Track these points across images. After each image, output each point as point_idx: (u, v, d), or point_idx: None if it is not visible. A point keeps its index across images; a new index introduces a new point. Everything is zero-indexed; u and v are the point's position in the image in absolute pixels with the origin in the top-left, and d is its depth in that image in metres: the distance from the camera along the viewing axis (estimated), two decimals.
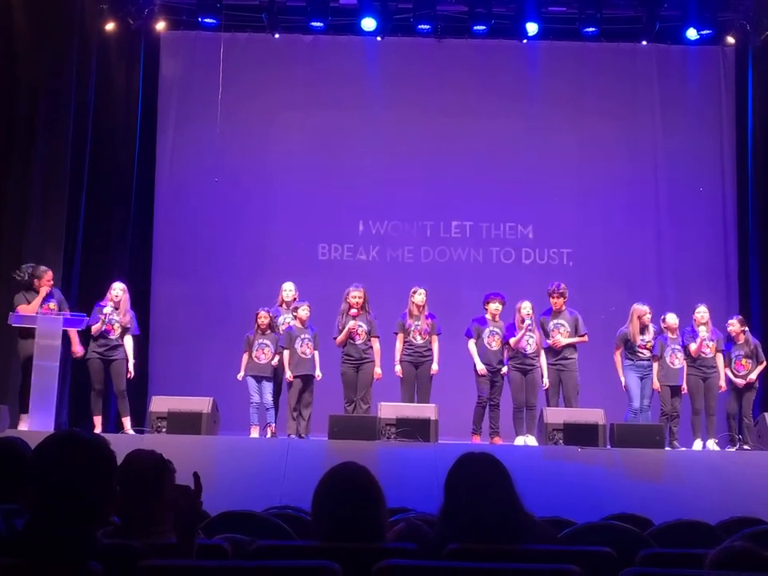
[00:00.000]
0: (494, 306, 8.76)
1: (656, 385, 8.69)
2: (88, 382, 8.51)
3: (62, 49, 9.98)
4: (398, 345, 8.66)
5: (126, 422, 8.36)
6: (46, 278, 8.30)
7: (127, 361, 8.51)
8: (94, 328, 8.36)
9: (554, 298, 8.83)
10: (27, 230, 9.60)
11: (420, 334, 8.62)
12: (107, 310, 8.36)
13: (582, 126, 11.33)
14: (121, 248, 10.71)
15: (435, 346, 8.66)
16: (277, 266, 10.69)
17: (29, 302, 8.18)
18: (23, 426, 7.77)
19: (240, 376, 8.70)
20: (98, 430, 8.11)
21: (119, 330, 8.44)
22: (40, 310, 8.16)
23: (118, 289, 8.52)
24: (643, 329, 8.71)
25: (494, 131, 11.26)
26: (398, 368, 8.60)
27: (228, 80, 10.92)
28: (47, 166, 9.80)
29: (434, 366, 8.61)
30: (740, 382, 8.76)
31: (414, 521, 3.24)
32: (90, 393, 8.45)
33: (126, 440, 7.30)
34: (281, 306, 9.02)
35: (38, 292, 8.23)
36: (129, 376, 8.55)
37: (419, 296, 8.69)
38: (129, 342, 8.55)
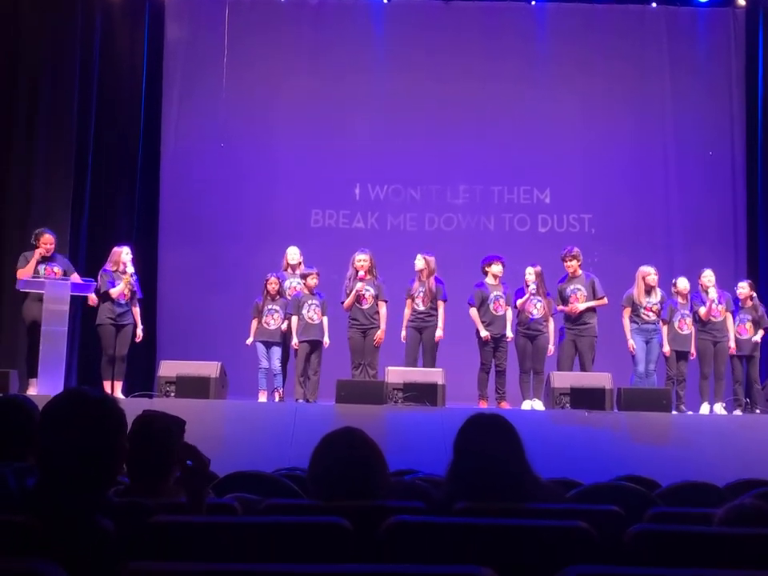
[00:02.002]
0: (497, 269, 8.71)
1: (666, 349, 8.67)
2: (99, 347, 8.53)
3: (66, 14, 9.91)
4: (406, 311, 8.65)
5: (118, 386, 8.38)
6: (42, 241, 8.28)
7: (136, 326, 8.55)
8: (115, 291, 8.33)
9: (566, 261, 8.74)
10: (34, 196, 9.60)
11: (423, 300, 8.61)
12: (130, 269, 8.38)
13: (590, 88, 11.22)
14: (128, 214, 10.70)
15: (440, 312, 8.64)
16: (282, 232, 10.65)
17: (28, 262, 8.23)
18: (32, 391, 7.80)
19: (249, 341, 8.72)
20: None
21: (129, 295, 8.47)
22: (43, 272, 8.17)
23: (130, 253, 8.51)
24: (649, 290, 8.66)
25: (501, 94, 11.15)
26: (403, 333, 8.60)
27: (233, 44, 10.84)
28: (53, 133, 9.79)
29: (438, 332, 8.59)
30: (737, 349, 8.75)
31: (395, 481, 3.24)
32: (102, 359, 8.47)
33: (134, 403, 7.32)
34: (286, 270, 9.02)
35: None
36: (137, 340, 8.60)
37: (417, 261, 8.67)
38: (136, 307, 8.58)
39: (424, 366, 8.45)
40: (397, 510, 2.44)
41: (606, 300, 8.75)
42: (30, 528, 2.04)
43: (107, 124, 10.47)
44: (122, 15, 10.74)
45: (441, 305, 8.64)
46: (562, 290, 8.76)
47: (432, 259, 8.69)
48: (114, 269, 8.44)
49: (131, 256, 8.49)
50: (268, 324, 8.64)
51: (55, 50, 9.84)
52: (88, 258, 9.95)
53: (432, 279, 8.64)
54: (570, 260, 8.71)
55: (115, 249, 8.57)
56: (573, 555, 1.99)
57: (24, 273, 8.17)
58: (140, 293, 8.64)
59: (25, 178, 9.64)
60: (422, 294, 8.59)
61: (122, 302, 8.41)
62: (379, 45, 11.37)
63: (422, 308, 8.61)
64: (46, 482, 2.19)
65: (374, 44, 11.36)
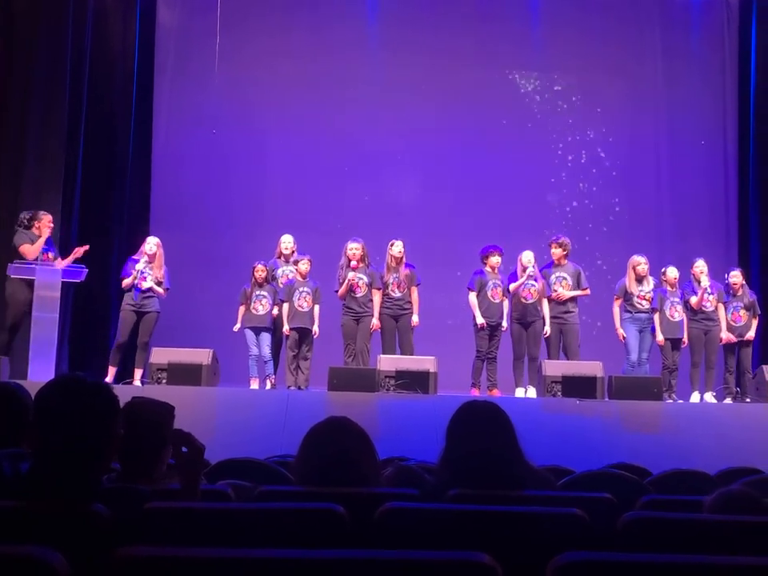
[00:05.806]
0: (495, 259, 8.73)
1: (660, 338, 8.69)
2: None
3: None
4: (377, 299, 8.61)
5: (138, 373, 8.40)
6: (46, 221, 8.27)
7: (158, 313, 8.55)
8: (126, 282, 8.40)
9: (552, 248, 8.79)
10: (24, 180, 9.54)
11: (398, 286, 8.61)
12: (140, 266, 8.39)
13: (582, 78, 11.22)
14: (119, 200, 10.63)
15: (415, 298, 8.64)
16: (274, 219, 10.63)
17: (32, 242, 8.14)
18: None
19: (236, 328, 8.71)
20: (109, 380, 8.14)
21: (153, 284, 8.45)
22: (41, 256, 8.13)
23: (152, 243, 8.55)
24: (640, 279, 8.70)
25: (493, 80, 11.14)
26: (374, 321, 8.55)
27: (225, 29, 10.76)
28: (44, 118, 9.71)
29: (415, 318, 8.59)
30: (733, 338, 8.77)
31: (403, 465, 3.24)
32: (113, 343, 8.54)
33: (129, 390, 7.31)
34: (279, 258, 9.01)
35: (38, 235, 8.19)
36: None
37: (395, 248, 8.67)
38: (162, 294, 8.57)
39: (401, 354, 8.46)
40: (390, 497, 2.44)
41: (588, 291, 8.80)
42: (24, 513, 2.04)
43: (98, 109, 10.39)
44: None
45: (415, 290, 8.64)
46: (547, 275, 8.79)
47: (400, 243, 8.71)
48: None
49: (152, 246, 8.50)
50: (256, 310, 8.63)
51: (46, 34, 9.75)
52: (79, 244, 9.88)
53: (403, 265, 8.65)
54: (556, 247, 8.75)
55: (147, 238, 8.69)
56: (567, 542, 2.00)
57: (32, 251, 8.08)
58: (167, 283, 8.61)
59: (16, 163, 9.58)
60: (396, 280, 8.59)
61: (143, 289, 8.40)
62: (374, 29, 11.32)
63: (397, 294, 8.60)
64: (40, 468, 2.18)
65: (369, 28, 11.32)
